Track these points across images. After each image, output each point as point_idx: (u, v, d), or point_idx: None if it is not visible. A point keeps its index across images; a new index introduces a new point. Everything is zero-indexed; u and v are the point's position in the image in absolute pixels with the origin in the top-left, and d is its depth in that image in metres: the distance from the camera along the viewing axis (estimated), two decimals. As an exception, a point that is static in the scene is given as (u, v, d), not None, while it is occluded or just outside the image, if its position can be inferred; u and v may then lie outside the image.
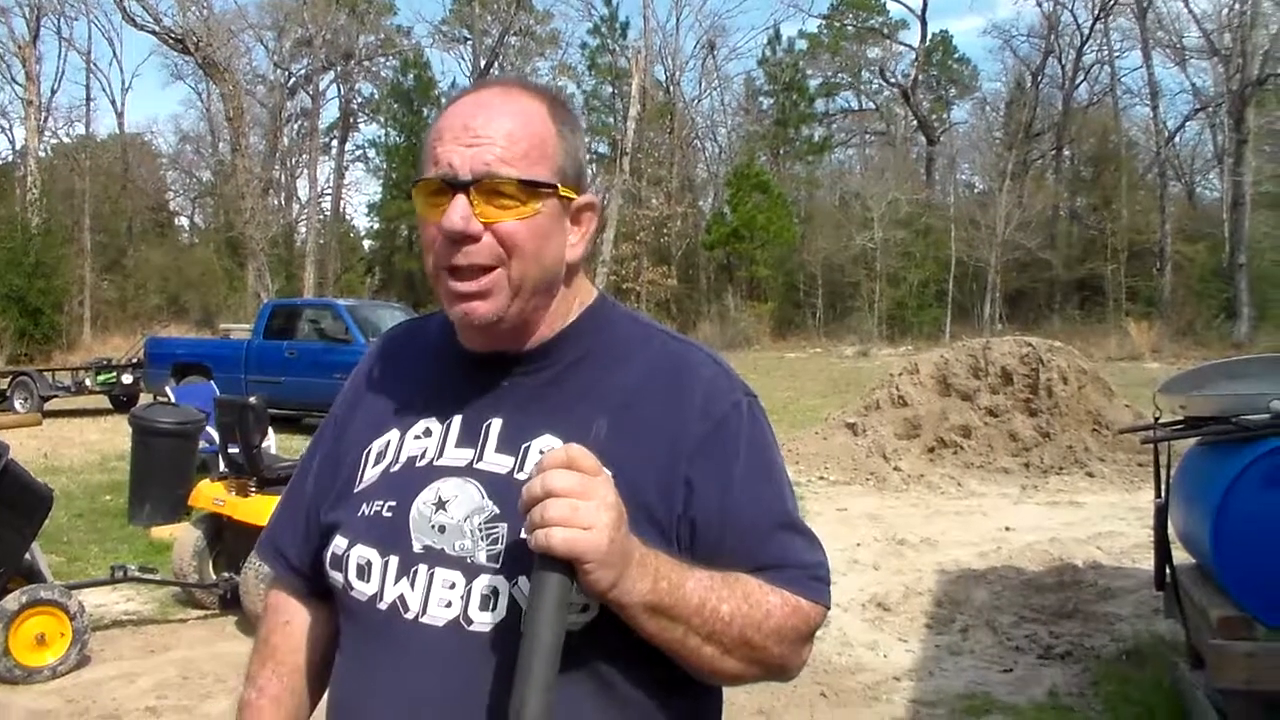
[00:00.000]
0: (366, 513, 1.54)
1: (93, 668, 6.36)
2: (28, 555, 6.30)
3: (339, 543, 1.55)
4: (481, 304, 1.47)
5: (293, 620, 1.73)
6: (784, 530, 1.54)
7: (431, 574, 1.46)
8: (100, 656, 6.54)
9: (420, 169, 1.49)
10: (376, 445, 1.61)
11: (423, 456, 1.55)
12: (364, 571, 1.51)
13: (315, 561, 1.65)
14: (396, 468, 1.56)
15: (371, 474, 1.58)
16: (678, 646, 1.41)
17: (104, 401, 22.30)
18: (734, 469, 1.51)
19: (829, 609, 1.56)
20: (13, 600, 5.98)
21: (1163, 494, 5.07)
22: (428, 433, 1.57)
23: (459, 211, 1.43)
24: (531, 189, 1.46)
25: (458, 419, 1.56)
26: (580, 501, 1.28)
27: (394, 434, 1.60)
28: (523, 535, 1.35)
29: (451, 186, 1.44)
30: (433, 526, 1.48)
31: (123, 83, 67.29)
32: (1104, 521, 10.13)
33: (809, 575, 1.52)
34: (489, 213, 1.44)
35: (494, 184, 1.44)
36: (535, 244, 1.48)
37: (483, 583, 1.43)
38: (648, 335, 1.63)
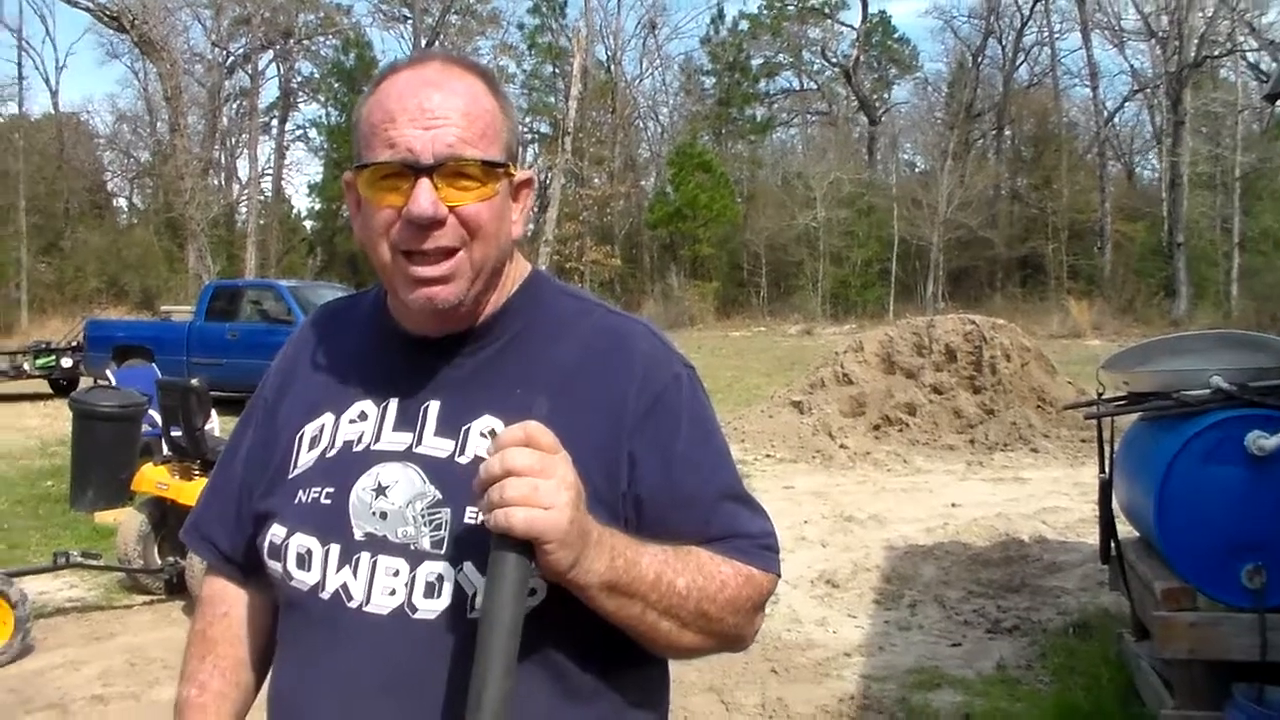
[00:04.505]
0: (303, 500, 1.51)
1: (36, 656, 6.27)
2: (-32, 542, 6.22)
3: (276, 531, 1.52)
4: (444, 289, 1.44)
5: (231, 611, 1.69)
6: (729, 501, 1.53)
7: (374, 562, 1.43)
8: (44, 645, 6.45)
9: (364, 151, 1.45)
10: (310, 429, 1.57)
11: (359, 441, 1.52)
12: (304, 560, 1.48)
13: (249, 549, 1.61)
14: (332, 452, 1.53)
15: (306, 459, 1.55)
16: (636, 623, 1.40)
17: (44, 386, 21.96)
18: (676, 442, 1.50)
19: (780, 577, 1.56)
20: (-47, 589, 5.90)
21: (1107, 469, 5.12)
22: (363, 416, 1.54)
23: (426, 196, 1.39)
24: (491, 169, 1.44)
25: (394, 402, 1.53)
26: (540, 480, 1.26)
27: (328, 417, 1.57)
28: (477, 517, 1.35)
29: (413, 170, 1.40)
30: (374, 513, 1.45)
31: (56, 61, 66.45)
32: (1049, 497, 10.26)
33: (758, 545, 1.52)
34: (452, 195, 1.41)
35: (458, 166, 1.41)
36: (495, 225, 1.47)
37: (427, 569, 1.41)
38: (584, 309, 1.61)
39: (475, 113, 1.44)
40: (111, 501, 9.51)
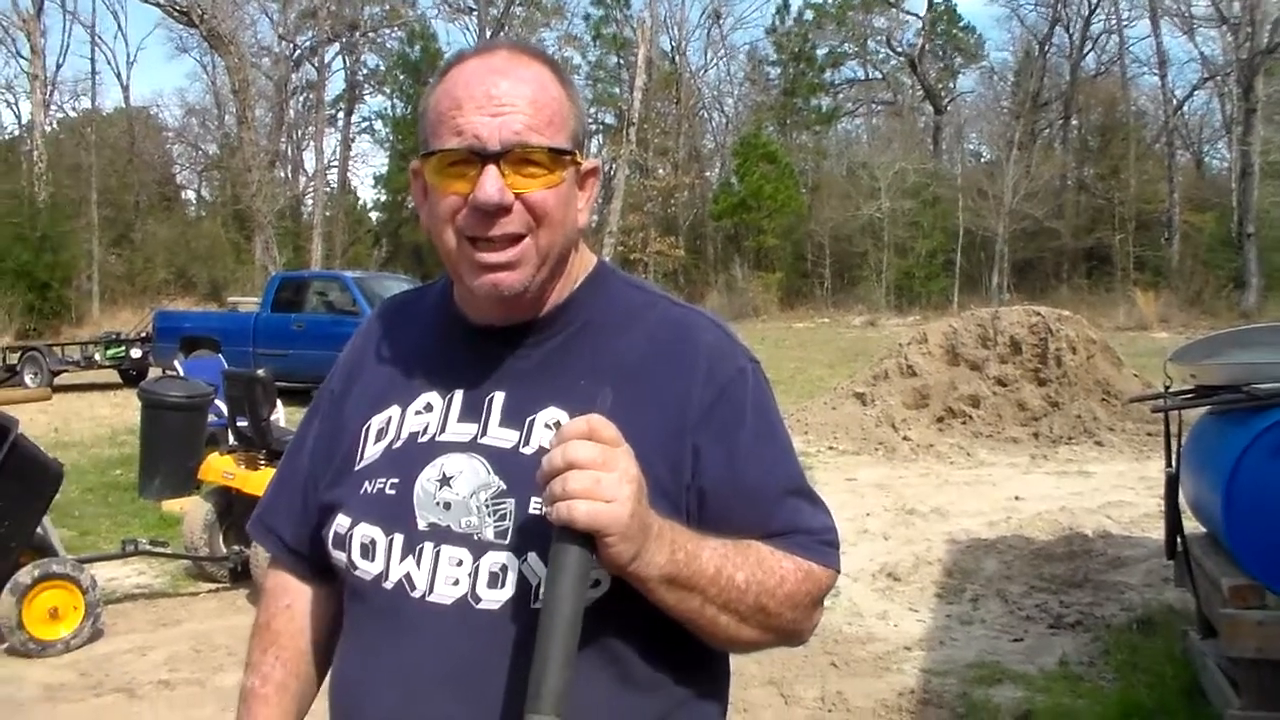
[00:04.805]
0: (369, 491, 1.52)
1: (105, 641, 6.39)
2: (39, 530, 6.32)
3: (341, 521, 1.53)
4: (510, 274, 1.45)
5: (294, 603, 1.71)
6: (792, 496, 1.53)
7: (438, 552, 1.44)
8: (113, 630, 6.57)
9: (432, 138, 1.45)
10: (377, 421, 1.58)
11: (424, 432, 1.53)
12: (368, 550, 1.49)
13: (314, 540, 1.62)
14: (398, 444, 1.54)
15: (373, 451, 1.56)
16: (695, 616, 1.40)
17: (113, 376, 22.33)
18: (741, 436, 1.49)
19: (839, 573, 1.56)
20: (25, 574, 6.00)
21: (1173, 463, 5.06)
22: (429, 407, 1.55)
23: (493, 183, 1.39)
24: (557, 157, 1.44)
25: (459, 393, 1.53)
26: (602, 473, 1.26)
27: (395, 410, 1.57)
28: (540, 509, 1.34)
29: (480, 157, 1.40)
30: (438, 504, 1.46)
31: (128, 56, 67.34)
32: (1113, 491, 10.13)
33: (819, 540, 1.52)
34: (519, 182, 1.41)
35: (525, 153, 1.41)
36: (561, 212, 1.47)
37: (491, 560, 1.41)
38: (649, 301, 1.60)
39: (542, 100, 1.45)
40: (178, 490, 9.70)
